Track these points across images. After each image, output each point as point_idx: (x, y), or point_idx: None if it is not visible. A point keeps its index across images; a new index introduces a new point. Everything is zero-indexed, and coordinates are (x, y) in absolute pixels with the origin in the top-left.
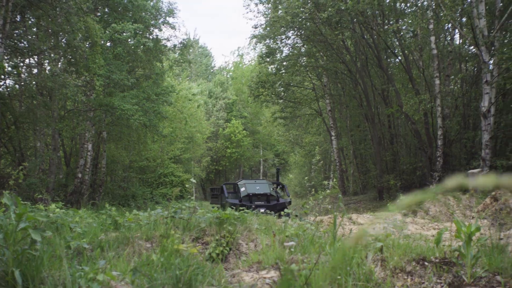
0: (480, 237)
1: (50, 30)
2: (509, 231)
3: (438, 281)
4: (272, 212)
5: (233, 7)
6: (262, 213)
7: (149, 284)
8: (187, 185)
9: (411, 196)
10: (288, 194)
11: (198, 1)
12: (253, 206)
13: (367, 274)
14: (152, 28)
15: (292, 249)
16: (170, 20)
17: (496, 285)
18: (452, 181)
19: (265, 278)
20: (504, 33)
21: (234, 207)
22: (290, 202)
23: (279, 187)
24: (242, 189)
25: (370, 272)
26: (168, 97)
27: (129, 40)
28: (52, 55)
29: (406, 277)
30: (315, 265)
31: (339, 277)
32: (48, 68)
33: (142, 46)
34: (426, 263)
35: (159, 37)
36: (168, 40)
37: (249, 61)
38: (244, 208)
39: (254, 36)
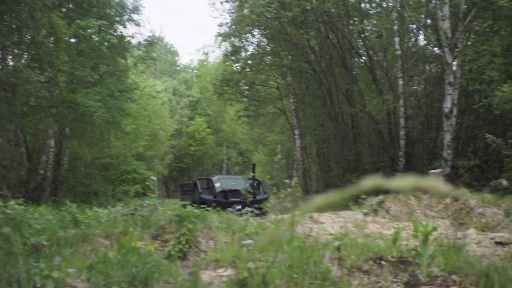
0: (437, 236)
1: (14, 26)
2: (468, 231)
3: (395, 280)
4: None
5: (204, 1)
6: (238, 210)
7: (105, 281)
8: (147, 183)
9: (324, 197)
10: (265, 190)
11: None
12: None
13: (324, 273)
14: (116, 25)
15: (250, 248)
16: (135, 17)
17: (451, 284)
18: (368, 181)
19: (222, 276)
20: (467, 34)
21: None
22: (267, 198)
23: (255, 183)
24: (217, 185)
25: (327, 271)
26: (132, 94)
27: (94, 36)
28: (16, 50)
29: (362, 276)
30: (272, 264)
31: (296, 275)
32: (12, 63)
33: (106, 43)
34: (383, 262)
35: (123, 33)
36: (133, 37)
37: (214, 59)
38: (219, 204)
39: (220, 34)
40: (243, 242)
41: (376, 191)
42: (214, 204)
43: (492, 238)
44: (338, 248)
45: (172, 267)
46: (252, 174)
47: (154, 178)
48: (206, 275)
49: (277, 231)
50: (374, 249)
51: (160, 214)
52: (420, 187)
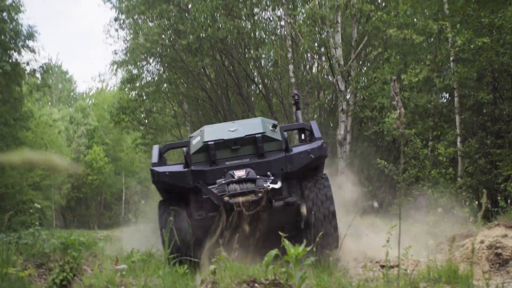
0: (307, 258)
1: None
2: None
3: None
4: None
5: (99, 29)
6: (242, 181)
7: None
8: (31, 210)
9: None
10: (318, 134)
11: (66, 20)
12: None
13: None
14: (11, 52)
15: (124, 273)
16: (30, 43)
17: None
18: None
19: None
20: (360, 62)
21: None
22: (321, 147)
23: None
24: (195, 141)
25: None
26: (27, 123)
27: None
28: None
29: None
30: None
31: None
32: None
33: (0, 70)
34: (256, 285)
35: (18, 60)
36: (28, 64)
37: (111, 87)
38: (197, 181)
39: (115, 62)
40: (117, 267)
41: None
42: (189, 184)
43: (377, 262)
44: (213, 272)
45: None
46: (296, 109)
47: (38, 205)
48: None
49: None
50: (249, 272)
51: (45, 242)
52: (32, 161)
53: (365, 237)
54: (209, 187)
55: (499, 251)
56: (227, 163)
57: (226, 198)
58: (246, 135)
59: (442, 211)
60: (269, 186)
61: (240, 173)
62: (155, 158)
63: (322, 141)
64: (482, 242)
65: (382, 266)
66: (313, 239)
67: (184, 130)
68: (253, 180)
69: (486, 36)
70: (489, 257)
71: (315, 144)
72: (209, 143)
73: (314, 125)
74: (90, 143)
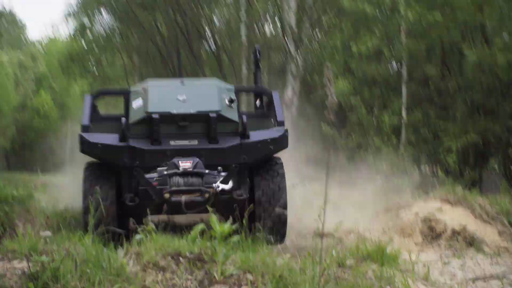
0: (233, 236)
1: None
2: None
3: (190, 277)
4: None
5: None
6: (188, 174)
7: None
8: None
9: None
10: (280, 116)
11: None
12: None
13: (119, 269)
14: None
15: (48, 239)
16: None
17: (244, 283)
18: None
19: (15, 268)
20: (312, 28)
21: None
22: (283, 137)
23: (258, 101)
24: (137, 104)
25: (122, 266)
26: None
27: None
28: None
29: (158, 272)
30: (65, 258)
31: (88, 270)
32: None
33: None
34: (181, 259)
35: None
36: None
37: (63, 36)
38: (134, 162)
39: (68, 12)
40: (42, 234)
41: None
42: (124, 162)
43: (314, 231)
44: (138, 243)
45: None
46: (256, 68)
47: None
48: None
49: None
50: (174, 245)
51: None
52: None
53: (302, 206)
54: (149, 174)
55: (433, 224)
56: (172, 142)
57: (166, 195)
58: (198, 112)
59: (382, 180)
60: (218, 186)
61: (186, 164)
62: (86, 117)
63: (285, 128)
64: (416, 214)
65: (321, 236)
66: (256, 229)
67: (133, 81)
68: (200, 175)
69: (438, 12)
70: (422, 230)
71: (276, 133)
72: (153, 116)
73: (276, 98)
74: (37, 88)
